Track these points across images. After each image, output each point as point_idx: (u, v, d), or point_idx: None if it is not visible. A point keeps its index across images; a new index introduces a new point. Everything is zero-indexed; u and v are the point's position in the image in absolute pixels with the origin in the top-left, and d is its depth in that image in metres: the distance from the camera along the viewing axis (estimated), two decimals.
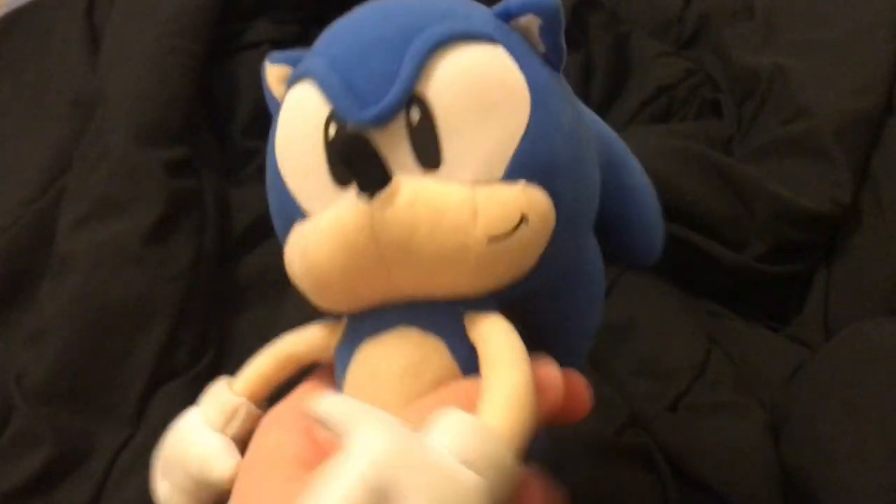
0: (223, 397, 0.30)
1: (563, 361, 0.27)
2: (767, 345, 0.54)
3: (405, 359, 0.27)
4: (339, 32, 0.28)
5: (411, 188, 0.25)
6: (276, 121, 0.29)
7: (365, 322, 0.28)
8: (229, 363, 0.55)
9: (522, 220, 0.26)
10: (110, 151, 0.57)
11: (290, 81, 0.28)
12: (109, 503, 0.47)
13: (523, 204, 0.26)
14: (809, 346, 0.53)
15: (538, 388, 0.25)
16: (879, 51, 0.60)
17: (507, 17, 0.27)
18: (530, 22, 0.27)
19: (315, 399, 0.23)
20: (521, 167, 0.26)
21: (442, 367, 0.27)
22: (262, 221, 0.62)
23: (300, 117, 0.27)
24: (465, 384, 0.26)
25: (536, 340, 0.27)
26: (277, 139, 0.28)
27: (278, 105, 0.29)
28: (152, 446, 0.49)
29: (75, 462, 0.48)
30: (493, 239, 0.25)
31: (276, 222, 0.30)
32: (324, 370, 0.31)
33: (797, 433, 0.45)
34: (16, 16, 0.75)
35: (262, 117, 0.69)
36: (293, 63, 0.29)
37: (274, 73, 0.29)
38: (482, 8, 0.28)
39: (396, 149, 0.25)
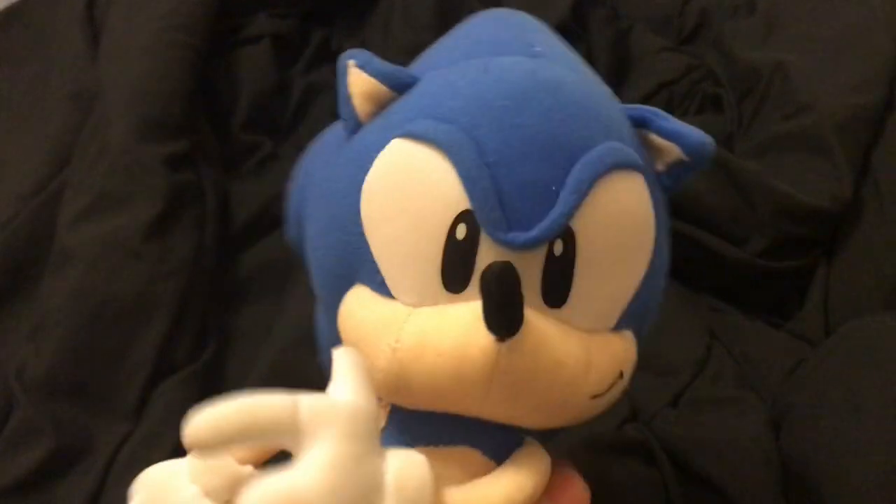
0: (229, 469, 0.26)
1: None
2: (768, 340, 0.54)
3: (468, 482, 0.26)
4: (484, 103, 0.24)
5: (538, 335, 0.23)
6: (359, 154, 0.25)
7: (423, 424, 0.26)
8: (230, 358, 0.55)
9: (620, 375, 0.25)
10: (110, 146, 0.57)
11: (402, 130, 0.24)
12: (110, 497, 0.47)
13: (625, 359, 0.25)
14: (810, 342, 0.53)
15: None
16: (880, 46, 0.60)
17: (644, 126, 0.26)
18: (672, 150, 0.25)
19: None
20: (630, 316, 0.25)
21: None
22: (262, 216, 0.62)
23: (418, 191, 0.24)
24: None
25: None
26: (370, 190, 0.25)
27: (357, 122, 0.26)
28: (152, 442, 0.49)
29: (76, 456, 0.48)
30: (595, 396, 0.25)
31: (324, 264, 0.27)
32: None
33: (798, 428, 0.45)
34: (15, 9, 0.74)
35: (262, 111, 0.69)
36: (387, 81, 0.25)
37: (362, 83, 0.26)
38: (621, 108, 0.26)
39: (527, 279, 0.23)
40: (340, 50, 0.75)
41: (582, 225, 0.23)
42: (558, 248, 0.23)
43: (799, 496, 0.43)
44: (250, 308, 0.58)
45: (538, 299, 0.24)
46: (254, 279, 0.59)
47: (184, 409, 0.54)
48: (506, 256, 0.23)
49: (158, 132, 0.58)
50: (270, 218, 0.63)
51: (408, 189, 0.24)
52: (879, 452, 0.40)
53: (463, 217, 0.23)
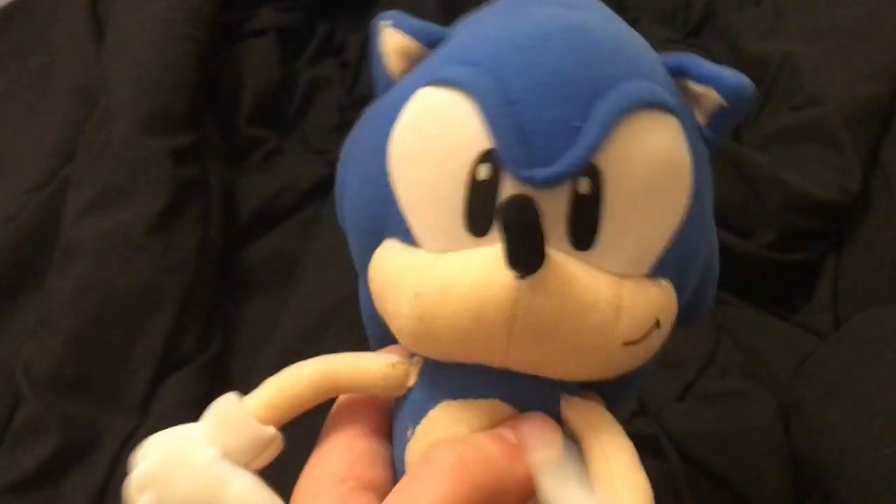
0: (252, 429, 0.26)
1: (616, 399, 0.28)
2: (776, 333, 0.54)
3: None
4: (511, 44, 0.23)
5: (563, 275, 0.22)
6: (389, 107, 0.25)
7: (452, 378, 0.26)
8: (236, 352, 0.55)
9: (656, 324, 0.24)
10: (114, 140, 0.57)
11: (429, 78, 0.24)
12: (117, 493, 0.47)
13: (661, 308, 0.24)
14: (819, 335, 0.53)
15: None
16: (889, 37, 0.60)
17: (680, 74, 0.25)
18: (709, 95, 0.25)
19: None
20: (667, 265, 0.24)
21: None
22: (267, 210, 0.62)
23: (442, 133, 0.23)
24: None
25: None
26: (397, 138, 0.25)
27: (388, 79, 0.26)
28: None
29: (83, 451, 0.48)
30: (628, 343, 0.24)
31: (357, 221, 0.27)
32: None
33: (807, 422, 0.45)
34: (19, 4, 0.74)
35: (267, 105, 0.69)
36: (420, 36, 0.25)
37: (396, 41, 0.26)
38: (656, 57, 0.25)
39: (552, 218, 0.23)
40: (345, 43, 0.76)
41: (608, 163, 0.22)
42: (584, 186, 0.23)
43: (808, 489, 0.43)
44: (256, 302, 0.58)
45: (565, 241, 0.23)
46: (259, 273, 0.59)
47: (190, 402, 0.54)
48: (530, 194, 0.22)
49: (163, 126, 0.58)
50: (275, 212, 0.62)
51: (432, 133, 0.24)
52: (889, 445, 0.40)
53: (486, 156, 0.23)
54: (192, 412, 0.50)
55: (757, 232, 0.55)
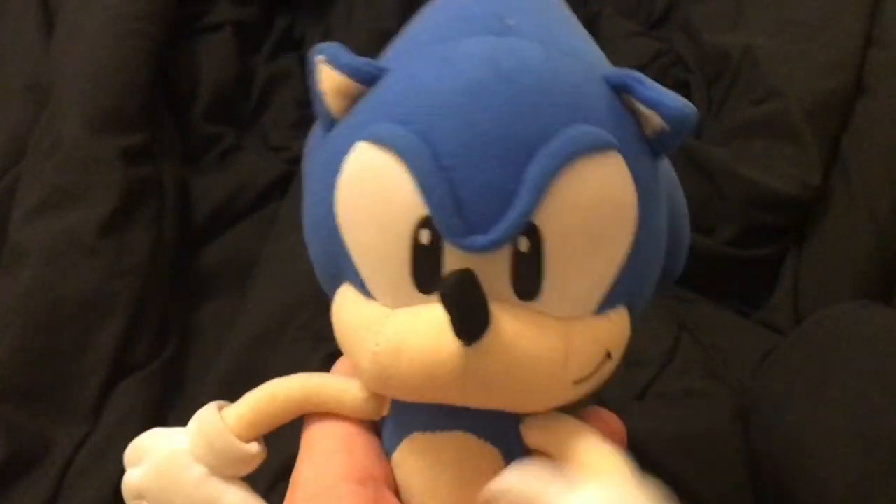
0: (235, 449, 0.27)
1: None
2: (737, 330, 0.54)
3: (461, 468, 0.26)
4: (442, 101, 0.23)
5: (509, 334, 0.23)
6: (331, 156, 0.25)
7: (418, 412, 0.26)
8: (190, 356, 0.54)
9: (607, 356, 0.25)
10: (63, 139, 0.55)
11: (365, 133, 0.24)
12: (67, 502, 0.46)
13: (611, 340, 0.25)
14: (780, 331, 0.53)
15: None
16: (849, 30, 0.60)
17: (625, 91, 0.24)
18: (652, 118, 0.24)
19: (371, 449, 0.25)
20: (618, 294, 0.25)
21: (494, 476, 0.25)
22: (224, 210, 0.61)
23: (381, 197, 0.23)
24: None
25: None
26: (341, 194, 0.24)
27: (331, 119, 0.25)
28: (111, 444, 0.48)
29: (30, 462, 0.47)
30: (579, 381, 0.24)
31: (317, 257, 0.27)
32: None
33: (766, 421, 0.45)
34: None
35: (224, 101, 0.68)
36: (355, 75, 0.24)
37: (332, 80, 0.25)
38: (599, 78, 0.24)
39: (495, 276, 0.23)
40: (304, 37, 0.75)
41: (546, 219, 0.22)
42: (523, 245, 0.23)
43: (767, 490, 0.43)
44: (212, 304, 0.56)
45: (510, 294, 0.23)
46: (216, 275, 0.58)
47: (143, 409, 0.53)
48: (470, 259, 0.23)
49: (114, 125, 0.57)
50: (233, 211, 0.61)
51: (372, 194, 0.24)
52: (846, 444, 0.40)
53: (425, 222, 0.23)
54: (146, 418, 0.49)
55: (718, 228, 0.55)
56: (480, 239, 0.22)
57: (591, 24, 0.72)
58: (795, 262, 0.55)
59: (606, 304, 0.25)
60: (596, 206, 0.23)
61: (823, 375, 0.43)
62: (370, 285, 0.25)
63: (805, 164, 0.55)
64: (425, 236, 0.23)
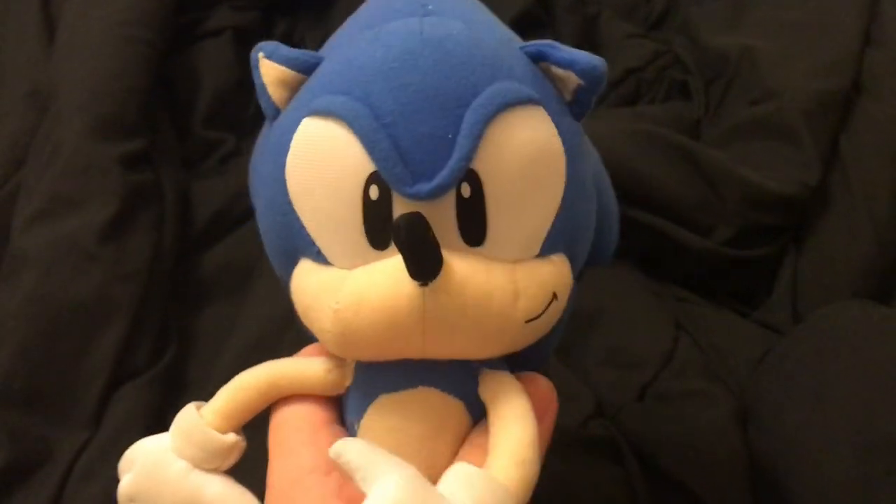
0: (213, 441, 0.29)
1: (533, 360, 0.30)
2: (736, 330, 0.54)
3: (427, 422, 0.28)
4: (375, 70, 0.25)
5: (460, 274, 0.25)
6: (279, 138, 0.27)
7: (381, 374, 0.28)
8: (191, 360, 0.54)
9: (553, 297, 0.27)
10: (64, 146, 0.55)
11: (308, 109, 0.26)
12: None
13: (556, 282, 0.27)
14: (778, 331, 0.53)
15: (541, 411, 0.27)
16: (847, 30, 0.60)
17: (542, 59, 0.27)
18: (569, 77, 0.26)
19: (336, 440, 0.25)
20: (556, 241, 0.27)
21: (460, 426, 0.28)
22: (223, 215, 0.61)
23: (330, 163, 0.25)
24: (482, 439, 0.27)
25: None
26: (291, 169, 0.26)
27: (275, 109, 0.28)
28: (112, 449, 0.48)
29: (32, 467, 0.47)
30: (529, 320, 0.26)
31: (272, 245, 0.29)
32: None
33: (765, 421, 0.45)
34: None
35: (224, 108, 0.68)
36: (293, 65, 0.27)
37: (272, 72, 0.27)
38: (517, 49, 0.27)
39: (443, 223, 0.25)
40: (304, 41, 0.75)
41: (484, 165, 0.25)
42: (466, 190, 0.25)
43: (767, 491, 0.43)
44: (212, 309, 0.57)
45: (458, 240, 0.25)
46: (215, 279, 0.58)
47: (144, 413, 0.53)
48: (418, 207, 0.25)
49: (114, 131, 0.57)
50: (233, 216, 0.61)
51: (321, 162, 0.26)
52: (845, 443, 0.40)
53: (373, 178, 0.25)
54: (146, 423, 0.49)
55: (716, 228, 0.55)
56: (426, 186, 0.24)
57: (590, 25, 0.73)
58: (794, 263, 0.55)
59: (547, 249, 0.27)
60: (529, 153, 0.25)
61: (822, 375, 0.43)
62: (327, 252, 0.26)
63: (803, 164, 0.55)
64: (374, 192, 0.25)
